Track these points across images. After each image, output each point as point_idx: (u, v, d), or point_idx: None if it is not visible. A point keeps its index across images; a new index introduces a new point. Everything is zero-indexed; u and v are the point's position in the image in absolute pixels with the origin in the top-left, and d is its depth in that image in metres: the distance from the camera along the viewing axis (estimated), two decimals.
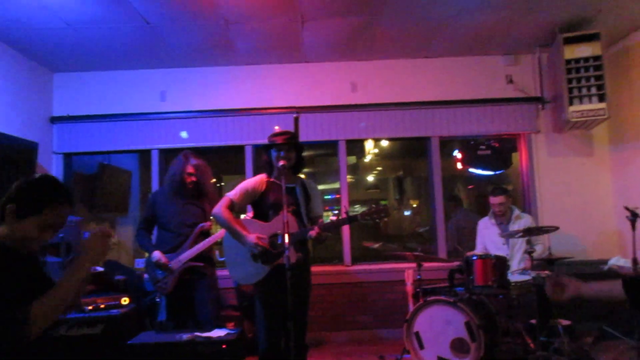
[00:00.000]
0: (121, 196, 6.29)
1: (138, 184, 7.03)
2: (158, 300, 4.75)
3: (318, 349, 5.06)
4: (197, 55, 5.30)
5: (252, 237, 3.16)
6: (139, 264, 5.45)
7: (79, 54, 5.10)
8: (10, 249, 1.75)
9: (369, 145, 7.79)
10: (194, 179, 3.98)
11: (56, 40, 4.74)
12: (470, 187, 8.60)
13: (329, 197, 8.52)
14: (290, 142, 3.35)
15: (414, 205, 9.72)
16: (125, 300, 3.56)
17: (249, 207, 3.55)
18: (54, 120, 5.53)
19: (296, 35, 4.89)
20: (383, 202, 9.90)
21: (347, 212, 3.26)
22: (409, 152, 8.62)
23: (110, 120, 5.51)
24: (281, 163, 3.24)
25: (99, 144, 5.56)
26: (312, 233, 3.15)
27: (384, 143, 7.78)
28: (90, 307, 3.26)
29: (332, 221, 3.28)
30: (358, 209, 9.35)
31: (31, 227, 1.75)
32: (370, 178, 9.69)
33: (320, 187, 8.54)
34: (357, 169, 9.05)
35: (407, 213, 9.73)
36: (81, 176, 5.85)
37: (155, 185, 5.56)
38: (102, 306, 3.31)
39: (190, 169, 3.98)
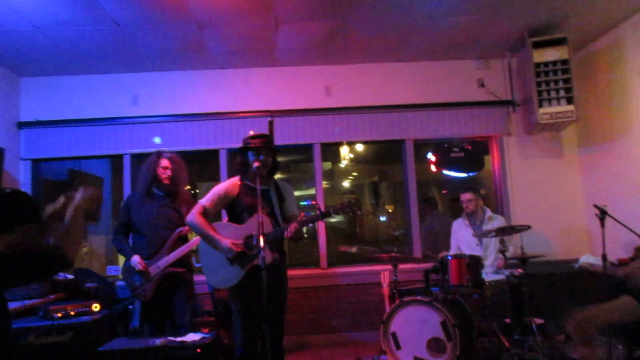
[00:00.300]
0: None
1: (110, 191, 6.90)
2: (131, 307, 4.67)
3: (295, 353, 5.02)
4: (170, 59, 5.25)
5: (226, 242, 3.14)
6: (111, 271, 5.35)
7: (48, 57, 4.99)
8: None
9: (344, 150, 7.81)
10: (169, 172, 3.91)
11: (24, 44, 4.64)
12: (444, 192, 8.69)
13: (305, 203, 8.51)
14: (268, 145, 3.35)
15: (390, 211, 9.78)
16: (96, 307, 3.47)
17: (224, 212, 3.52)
18: (22, 125, 5.39)
19: (270, 39, 4.89)
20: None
21: (319, 208, 3.26)
22: (384, 158, 8.68)
23: (80, 125, 5.40)
24: (256, 165, 3.22)
25: (68, 149, 5.43)
26: (290, 229, 3.13)
27: (359, 148, 7.82)
28: (59, 315, 3.16)
29: (305, 218, 3.28)
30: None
31: None
32: (346, 183, 9.71)
33: (296, 193, 8.47)
34: (333, 175, 9.07)
35: (382, 219, 9.78)
36: (50, 183, 5.71)
37: (127, 191, 5.45)
38: (72, 313, 3.22)
39: (165, 162, 3.92)
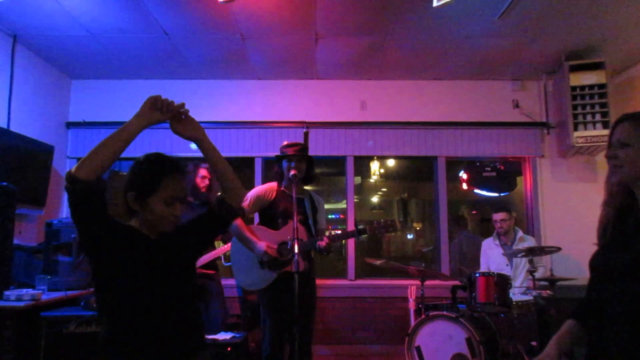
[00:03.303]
0: None
1: None
2: None
3: None
4: (212, 68, 5.45)
5: (262, 245, 3.25)
6: None
7: (98, 62, 5.25)
8: (143, 234, 1.82)
9: (374, 165, 7.88)
10: (207, 182, 4.08)
11: (77, 48, 4.89)
12: (474, 212, 8.66)
13: (334, 216, 8.58)
14: (301, 153, 3.47)
15: (417, 228, 9.77)
16: None
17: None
18: (70, 125, 5.66)
19: (309, 52, 5.04)
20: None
21: (356, 225, 3.36)
22: (414, 175, 8.70)
23: None
24: (292, 172, 3.34)
25: None
26: (322, 243, 3.24)
27: (390, 163, 7.88)
28: None
29: (340, 233, 3.38)
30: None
31: (156, 206, 1.78)
32: (375, 199, 9.75)
33: (325, 206, 8.50)
34: (362, 189, 9.13)
35: (410, 236, 9.78)
36: None
37: None
38: None
39: (203, 172, 4.09)
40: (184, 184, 1.87)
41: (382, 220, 3.39)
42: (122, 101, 5.70)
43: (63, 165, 5.54)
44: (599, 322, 1.59)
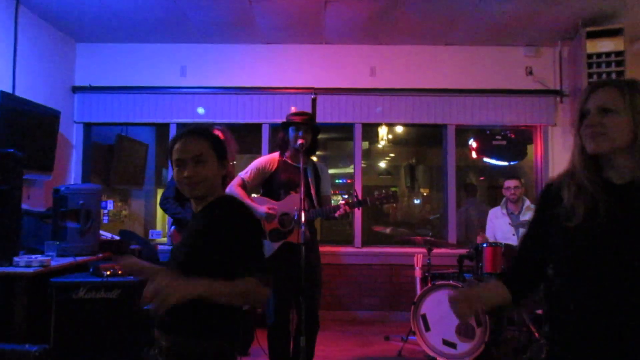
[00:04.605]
0: (137, 168, 6.39)
1: (154, 158, 7.13)
2: None
3: (324, 328, 5.13)
4: (219, 32, 5.33)
5: (262, 209, 3.26)
6: (153, 235, 5.57)
7: (103, 24, 5.15)
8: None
9: (382, 131, 7.81)
10: None
11: (82, 10, 4.79)
12: (481, 178, 8.61)
13: (340, 181, 8.58)
14: (309, 122, 3.41)
15: (425, 194, 9.76)
16: None
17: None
18: (76, 89, 5.60)
19: (318, 16, 4.91)
20: (393, 189, 9.95)
21: (356, 196, 3.35)
22: (422, 140, 8.63)
23: (130, 92, 5.58)
24: (300, 142, 3.29)
25: (117, 115, 5.63)
26: (340, 212, 3.24)
27: (398, 129, 7.80)
28: (108, 272, 3.33)
29: (341, 204, 3.37)
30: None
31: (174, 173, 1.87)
32: (382, 164, 9.70)
33: (332, 171, 8.55)
34: (370, 155, 9.07)
35: (417, 201, 9.78)
36: (99, 146, 5.94)
37: None
38: (120, 272, 3.39)
39: (217, 135, 4.03)
40: (192, 147, 1.82)
41: (382, 192, 3.38)
42: (128, 65, 5.64)
43: (70, 130, 5.53)
44: (572, 314, 1.44)
